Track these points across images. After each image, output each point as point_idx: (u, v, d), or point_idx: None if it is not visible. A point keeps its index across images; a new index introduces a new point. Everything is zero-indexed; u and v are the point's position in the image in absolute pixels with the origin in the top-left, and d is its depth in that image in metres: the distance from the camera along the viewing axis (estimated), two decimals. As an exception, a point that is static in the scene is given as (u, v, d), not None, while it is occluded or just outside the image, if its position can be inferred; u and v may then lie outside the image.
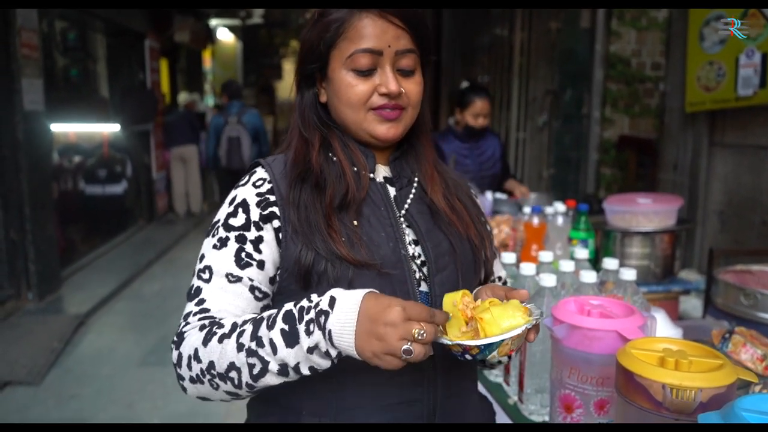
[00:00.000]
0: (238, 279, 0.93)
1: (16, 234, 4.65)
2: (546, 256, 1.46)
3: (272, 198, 0.97)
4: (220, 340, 0.87)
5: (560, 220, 2.19)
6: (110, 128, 7.01)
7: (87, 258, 6.05)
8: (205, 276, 0.95)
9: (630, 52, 4.21)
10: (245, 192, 0.98)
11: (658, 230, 2.18)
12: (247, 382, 0.85)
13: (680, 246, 2.28)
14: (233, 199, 0.99)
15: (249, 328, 0.86)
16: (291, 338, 0.82)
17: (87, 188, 6.73)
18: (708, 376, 0.84)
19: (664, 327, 1.36)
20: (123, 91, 7.31)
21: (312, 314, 0.82)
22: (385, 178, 1.04)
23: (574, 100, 4.72)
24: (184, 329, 0.92)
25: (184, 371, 0.90)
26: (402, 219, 1.01)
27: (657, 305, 1.98)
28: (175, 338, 0.92)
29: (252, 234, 0.95)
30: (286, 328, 0.83)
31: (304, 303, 0.84)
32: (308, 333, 0.81)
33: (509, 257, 1.51)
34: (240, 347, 0.85)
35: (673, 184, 3.59)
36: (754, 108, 2.95)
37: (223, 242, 0.95)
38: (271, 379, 0.85)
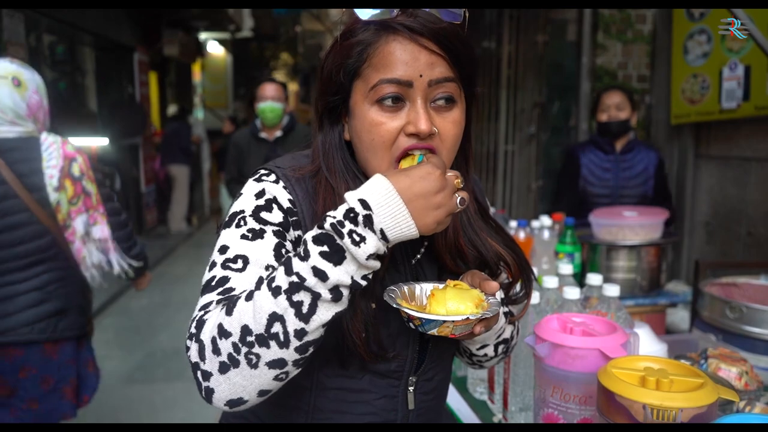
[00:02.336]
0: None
1: (2, 250, 4.59)
2: (530, 272, 1.46)
3: (297, 218, 0.87)
4: (248, 298, 0.75)
5: (546, 233, 2.19)
6: (99, 142, 6.97)
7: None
8: (237, 265, 0.82)
9: (616, 65, 4.24)
10: (276, 190, 0.87)
11: (644, 243, 2.18)
12: (296, 330, 0.73)
13: (667, 258, 2.28)
14: (261, 192, 0.87)
15: (279, 270, 0.75)
16: (336, 256, 0.72)
17: (75, 202, 6.66)
18: (689, 396, 0.83)
19: (648, 343, 1.36)
20: (112, 104, 7.29)
21: (351, 225, 0.72)
22: None
23: (562, 113, 4.75)
24: (203, 317, 0.79)
25: (209, 363, 0.75)
26: (412, 270, 0.95)
27: (644, 318, 1.98)
28: (193, 329, 0.78)
29: (291, 235, 0.86)
30: (326, 248, 0.73)
31: (334, 218, 0.74)
32: (357, 243, 0.72)
33: (493, 273, 1.50)
34: (277, 291, 0.73)
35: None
36: (738, 120, 2.98)
37: (256, 234, 0.84)
38: (324, 313, 0.74)
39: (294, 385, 0.90)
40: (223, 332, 0.74)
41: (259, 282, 0.76)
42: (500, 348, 1.03)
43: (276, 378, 0.76)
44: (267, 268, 0.82)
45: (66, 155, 2.01)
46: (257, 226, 0.85)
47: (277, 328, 0.73)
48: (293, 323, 0.73)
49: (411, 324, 0.83)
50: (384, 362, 0.91)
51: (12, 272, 1.88)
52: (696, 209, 3.37)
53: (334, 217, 0.74)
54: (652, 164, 2.78)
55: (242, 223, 0.85)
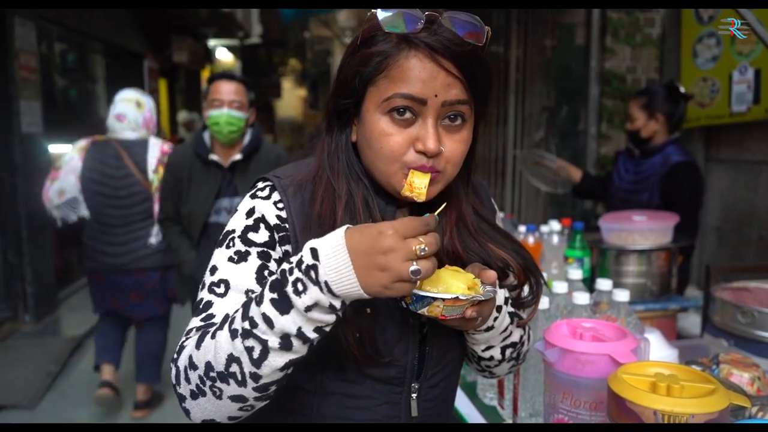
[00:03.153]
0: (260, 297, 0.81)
1: (14, 256, 4.64)
2: (539, 277, 1.45)
3: (286, 233, 0.88)
4: (213, 336, 0.79)
5: (555, 238, 2.18)
6: (109, 149, 7.01)
7: (84, 280, 6.02)
8: (219, 290, 0.86)
9: (625, 69, 4.23)
10: (265, 207, 0.89)
11: (654, 248, 2.17)
12: (250, 373, 0.75)
13: (677, 262, 2.27)
14: (251, 211, 0.89)
15: (239, 311, 0.78)
16: (283, 304, 0.73)
17: (85, 209, 6.71)
18: (700, 402, 0.83)
19: (658, 348, 1.35)
20: (122, 111, 7.33)
21: (297, 273, 0.73)
22: None
23: (571, 117, 4.74)
24: (184, 343, 0.84)
25: (183, 388, 0.81)
26: None
27: (654, 323, 1.97)
28: (174, 355, 0.84)
29: (277, 253, 0.88)
30: (275, 296, 0.74)
31: (285, 266, 0.75)
32: (299, 292, 0.72)
33: (502, 278, 1.50)
34: (234, 334, 0.76)
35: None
36: (749, 124, 2.96)
37: (242, 256, 0.87)
38: (276, 360, 0.74)
39: (297, 389, 0.91)
40: (191, 364, 0.80)
41: (224, 319, 0.80)
42: (508, 352, 1.02)
43: (241, 409, 0.80)
44: (247, 292, 0.86)
45: (162, 151, 3.17)
46: (243, 248, 0.88)
47: (234, 368, 0.76)
48: (248, 366, 0.76)
49: (403, 303, 0.82)
50: (381, 367, 0.91)
51: (136, 222, 3.12)
52: (707, 213, 3.35)
53: (290, 263, 0.75)
54: (664, 171, 2.65)
55: (231, 244, 0.89)
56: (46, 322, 4.82)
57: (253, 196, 0.91)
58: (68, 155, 3.19)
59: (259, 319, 0.74)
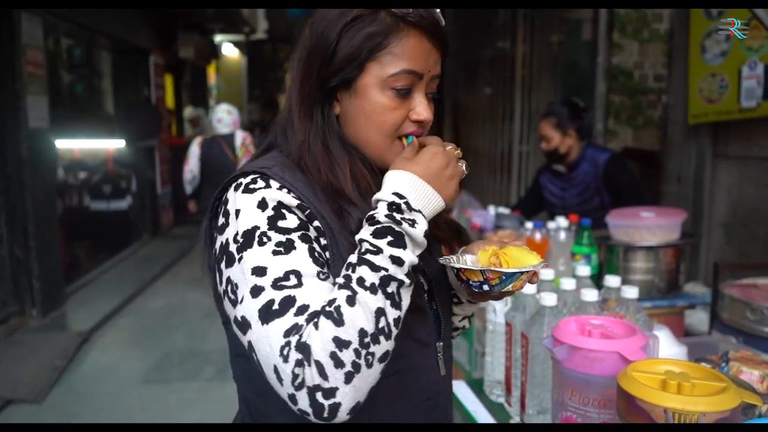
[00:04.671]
0: (327, 276, 0.82)
1: (21, 251, 4.66)
2: (547, 273, 1.45)
3: (310, 210, 0.86)
4: (352, 303, 0.75)
5: (563, 235, 2.17)
6: (115, 144, 7.04)
7: (91, 274, 6.06)
8: (291, 282, 0.78)
9: (632, 65, 4.20)
10: (275, 194, 0.84)
11: (662, 244, 2.15)
12: (394, 319, 0.78)
13: (685, 259, 2.25)
14: (262, 203, 0.83)
15: (361, 269, 0.77)
16: (401, 241, 0.79)
17: (92, 204, 6.75)
18: (711, 400, 0.82)
19: (667, 345, 1.34)
20: (128, 107, 7.36)
21: (399, 213, 0.80)
22: None
23: (577, 113, 4.71)
24: (304, 340, 0.74)
25: (332, 379, 0.73)
26: None
27: (662, 320, 1.96)
28: (297, 355, 0.73)
29: (312, 232, 0.85)
30: (391, 238, 0.79)
31: (381, 213, 0.80)
32: (413, 225, 0.80)
33: (510, 275, 1.49)
34: (373, 288, 0.76)
35: (677, 196, 3.57)
36: (758, 119, 2.93)
37: (287, 246, 0.80)
38: (407, 296, 0.80)
39: None
40: (341, 343, 0.73)
41: (346, 285, 0.77)
42: (465, 322, 1.14)
43: (381, 371, 0.78)
44: (318, 275, 0.81)
45: (243, 138, 5.21)
46: (283, 238, 0.81)
47: (382, 322, 0.76)
48: (392, 313, 0.78)
49: (485, 286, 0.87)
50: (418, 325, 0.93)
51: None
52: (714, 209, 3.33)
53: (383, 213, 0.80)
54: (598, 175, 2.86)
55: (265, 239, 0.80)
56: (53, 317, 4.84)
57: (250, 190, 0.84)
58: (192, 148, 5.17)
59: (388, 263, 0.78)
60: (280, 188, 0.85)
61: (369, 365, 0.75)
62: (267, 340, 0.76)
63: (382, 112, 0.89)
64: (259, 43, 14.76)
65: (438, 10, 0.92)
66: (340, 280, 0.79)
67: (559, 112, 2.93)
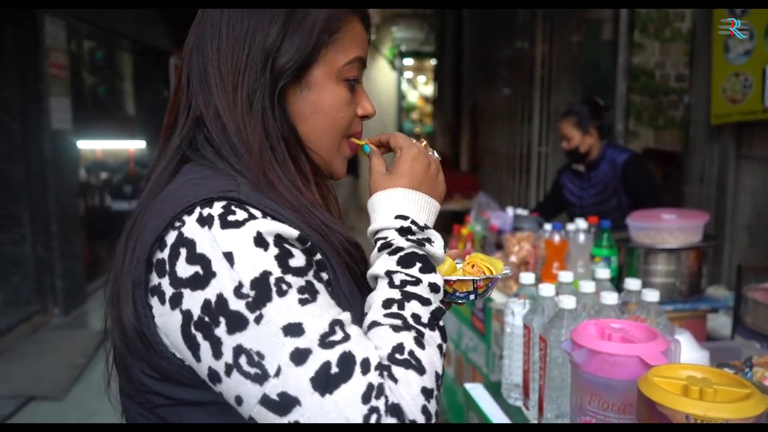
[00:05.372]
0: (354, 317, 0.69)
1: (44, 250, 4.74)
2: (566, 276, 1.43)
3: (312, 242, 0.71)
4: (421, 345, 0.67)
5: (582, 237, 2.15)
6: (136, 145, 7.13)
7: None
8: (339, 336, 0.63)
9: (654, 64, 4.15)
10: (268, 225, 0.66)
11: (683, 247, 2.12)
12: (443, 347, 0.72)
13: (708, 262, 2.22)
14: (259, 239, 0.64)
15: (412, 306, 0.69)
16: (429, 265, 0.75)
17: (113, 204, 6.83)
18: (734, 407, 0.80)
19: (689, 350, 1.32)
20: (148, 108, 7.44)
21: (415, 235, 0.75)
22: None
23: (597, 113, 4.67)
24: (393, 401, 0.61)
25: (432, 407, 0.64)
26: None
27: (683, 324, 1.93)
28: (392, 419, 0.60)
29: (314, 267, 0.71)
30: (420, 264, 0.73)
31: (394, 239, 0.74)
32: (432, 243, 0.76)
33: (528, 278, 1.48)
34: (431, 325, 0.70)
35: (700, 197, 3.51)
36: (783, 120, 2.88)
37: (311, 290, 0.65)
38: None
39: None
40: (428, 393, 0.64)
41: (405, 326, 0.67)
42: None
43: None
44: (352, 318, 0.68)
45: None
46: (302, 281, 0.65)
47: (442, 359, 0.71)
48: (444, 347, 0.72)
49: (471, 296, 0.85)
50: None
51: None
52: (737, 211, 3.27)
53: (399, 239, 0.74)
54: (616, 175, 2.86)
55: (284, 287, 0.63)
56: (74, 315, 4.91)
57: (233, 224, 0.65)
58: None
59: (430, 294, 0.73)
60: (264, 216, 0.67)
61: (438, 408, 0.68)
62: (337, 413, 0.59)
63: (340, 108, 0.80)
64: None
65: None
66: (394, 321, 0.67)
67: (580, 111, 2.92)
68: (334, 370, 0.61)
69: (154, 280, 0.67)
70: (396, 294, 0.70)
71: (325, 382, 0.60)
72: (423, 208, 0.78)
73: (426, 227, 0.77)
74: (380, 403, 0.60)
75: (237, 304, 0.62)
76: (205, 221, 0.65)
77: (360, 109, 0.84)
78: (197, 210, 0.66)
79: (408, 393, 0.62)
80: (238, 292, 0.62)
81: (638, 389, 0.87)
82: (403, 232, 0.75)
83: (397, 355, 0.64)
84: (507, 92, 6.42)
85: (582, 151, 2.89)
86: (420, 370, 0.64)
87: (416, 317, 0.69)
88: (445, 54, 9.20)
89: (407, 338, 0.66)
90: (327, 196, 0.88)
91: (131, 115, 7.37)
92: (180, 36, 8.09)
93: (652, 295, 1.30)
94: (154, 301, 0.67)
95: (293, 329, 0.61)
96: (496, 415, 1.45)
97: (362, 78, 0.84)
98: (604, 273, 1.51)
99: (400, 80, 16.09)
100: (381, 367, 0.63)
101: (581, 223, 2.20)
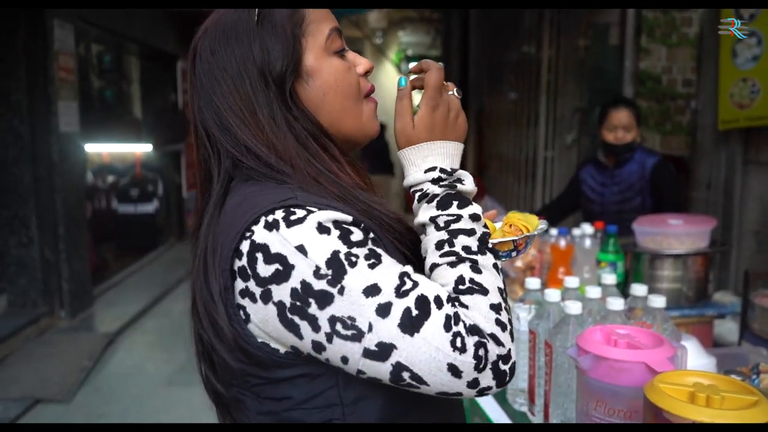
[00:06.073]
0: (417, 266, 0.79)
1: (51, 253, 4.76)
2: (572, 281, 1.43)
3: (364, 224, 0.79)
4: (477, 271, 0.77)
5: (588, 242, 2.14)
6: (143, 148, 7.16)
7: (119, 276, 6.16)
8: (409, 285, 0.73)
9: (660, 69, 4.15)
10: (326, 215, 0.74)
11: (690, 252, 2.11)
12: (500, 268, 0.83)
13: (714, 267, 2.21)
14: (321, 227, 0.73)
15: (460, 238, 0.79)
16: (466, 201, 0.82)
17: (119, 207, 6.87)
18: (742, 414, 0.80)
19: (695, 356, 1.31)
20: (155, 111, 7.48)
21: (446, 181, 0.82)
22: None
23: (604, 118, 4.66)
24: (470, 323, 0.73)
25: (506, 342, 0.75)
26: None
27: (690, 330, 1.92)
28: (474, 337, 0.71)
29: (374, 234, 0.79)
30: (457, 201, 0.81)
31: (429, 188, 0.82)
32: (463, 182, 0.83)
33: (534, 283, 1.47)
34: (481, 250, 0.79)
35: (707, 203, 3.50)
36: (791, 125, 2.87)
37: (375, 255, 0.74)
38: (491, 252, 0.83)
39: None
40: (496, 307, 0.76)
41: (457, 262, 0.77)
42: None
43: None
44: (414, 266, 0.78)
45: None
46: (366, 250, 0.74)
47: (501, 275, 0.81)
48: (498, 263, 0.82)
49: (514, 252, 0.92)
50: None
51: None
52: (745, 217, 3.25)
53: (429, 185, 0.82)
54: (645, 177, 2.80)
55: (354, 258, 0.72)
56: (81, 318, 4.93)
57: (296, 221, 0.73)
58: None
59: (473, 224, 0.80)
60: (321, 209, 0.75)
61: (511, 316, 0.79)
62: (428, 346, 0.70)
63: (344, 76, 0.86)
64: (285, 48, 14.88)
65: None
66: (445, 258, 0.78)
67: (634, 103, 2.86)
68: (415, 312, 0.71)
69: (240, 285, 0.75)
70: (444, 235, 0.79)
71: (411, 324, 0.70)
72: (447, 154, 0.83)
73: (453, 170, 0.83)
74: (460, 328, 0.71)
75: (320, 284, 0.71)
76: (272, 226, 0.73)
77: (360, 68, 0.89)
78: (263, 219, 0.74)
79: (480, 313, 0.74)
80: (317, 274, 0.71)
81: (644, 396, 0.87)
82: (435, 181, 0.82)
83: (461, 286, 0.75)
84: (513, 96, 6.42)
85: (634, 145, 2.82)
86: (483, 291, 0.75)
87: (467, 249, 0.78)
88: (451, 58, 9.20)
89: (465, 269, 0.77)
90: (359, 171, 0.90)
91: (138, 119, 7.41)
92: (188, 40, 8.13)
93: (658, 301, 1.30)
94: (246, 302, 0.75)
95: (371, 290, 0.71)
96: (502, 421, 1.44)
97: (344, 43, 0.90)
98: (610, 278, 1.51)
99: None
100: (451, 300, 0.74)
101: (587, 228, 2.19)
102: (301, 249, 0.71)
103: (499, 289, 0.78)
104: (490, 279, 0.77)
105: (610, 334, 1.09)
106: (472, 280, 0.76)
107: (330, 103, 0.85)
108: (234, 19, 0.83)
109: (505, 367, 0.74)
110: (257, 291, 0.73)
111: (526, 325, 1.42)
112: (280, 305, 0.72)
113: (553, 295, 1.36)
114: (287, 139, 0.81)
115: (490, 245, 0.83)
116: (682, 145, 4.17)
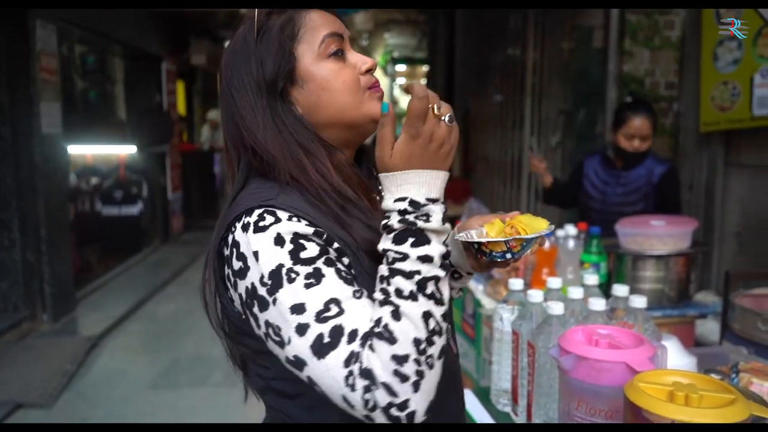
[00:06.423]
0: (361, 292, 0.82)
1: (33, 256, 4.70)
2: (554, 282, 1.44)
3: (325, 233, 0.84)
4: (397, 318, 0.76)
5: (571, 243, 2.16)
6: (127, 150, 7.10)
7: (102, 279, 6.10)
8: (334, 311, 0.78)
9: (643, 72, 4.18)
10: (289, 226, 0.82)
11: (672, 253, 2.14)
12: (442, 315, 0.79)
13: (696, 268, 2.23)
14: (279, 239, 0.81)
15: (396, 281, 0.78)
16: (422, 238, 0.79)
17: (103, 209, 6.81)
18: (719, 412, 0.81)
19: (676, 356, 1.33)
20: (140, 112, 7.42)
21: (411, 214, 0.80)
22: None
23: (588, 120, 4.69)
24: (366, 366, 0.75)
25: (402, 393, 0.75)
26: None
27: (672, 330, 1.94)
28: (363, 381, 0.74)
29: (332, 253, 0.84)
30: (413, 239, 0.79)
31: (394, 221, 0.80)
32: (429, 219, 0.80)
33: (517, 284, 1.48)
34: (412, 296, 0.77)
35: (689, 204, 3.53)
36: (770, 128, 2.91)
37: (316, 275, 0.80)
38: (446, 286, 0.81)
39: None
40: (400, 359, 0.75)
41: (386, 301, 0.78)
42: (460, 293, 1.18)
43: (442, 364, 0.81)
44: (353, 294, 0.81)
45: None
46: (310, 269, 0.80)
47: (432, 323, 0.78)
48: (438, 311, 0.79)
49: (507, 255, 0.92)
50: None
51: None
52: (726, 219, 3.29)
53: (395, 219, 0.80)
54: (651, 182, 2.73)
55: (293, 275, 0.79)
56: (63, 322, 4.87)
57: (261, 228, 0.82)
58: None
59: (419, 266, 0.78)
60: (290, 218, 0.82)
61: (431, 367, 0.77)
62: (328, 374, 0.76)
63: (335, 76, 0.91)
64: (271, 49, 14.84)
65: None
66: (379, 295, 0.79)
67: (654, 111, 2.77)
68: (326, 340, 0.77)
69: (226, 269, 0.87)
70: (386, 271, 0.80)
71: (319, 350, 0.76)
72: (423, 183, 0.81)
73: (426, 202, 0.81)
74: (355, 368, 0.75)
75: (261, 291, 0.80)
76: (245, 228, 0.83)
77: (363, 66, 0.93)
78: (243, 218, 0.84)
79: (380, 360, 0.75)
80: (261, 281, 0.80)
81: (624, 395, 0.88)
82: (401, 212, 0.81)
83: (376, 329, 0.77)
84: (498, 98, 6.45)
85: (647, 153, 2.74)
86: (391, 340, 0.75)
87: (398, 291, 0.78)
88: (437, 60, 9.23)
89: (385, 312, 0.77)
90: (350, 177, 0.92)
91: (122, 120, 7.35)
92: (173, 41, 8.08)
93: (639, 301, 1.31)
94: (228, 285, 0.87)
95: (297, 308, 0.78)
96: (485, 421, 1.45)
97: (348, 45, 0.94)
98: (592, 279, 1.52)
99: (392, 86, 16.11)
100: (366, 337, 0.77)
101: (571, 229, 2.21)
102: (256, 255, 0.81)
103: (415, 339, 0.76)
104: (406, 328, 0.76)
105: (591, 335, 1.10)
106: (386, 326, 0.76)
107: (326, 102, 0.91)
108: (242, 37, 0.93)
109: (401, 414, 0.75)
110: (232, 279, 0.85)
111: (510, 325, 1.43)
112: (239, 297, 0.85)
113: (535, 295, 1.37)
114: (276, 141, 0.89)
115: (479, 242, 0.91)
116: (665, 147, 4.20)
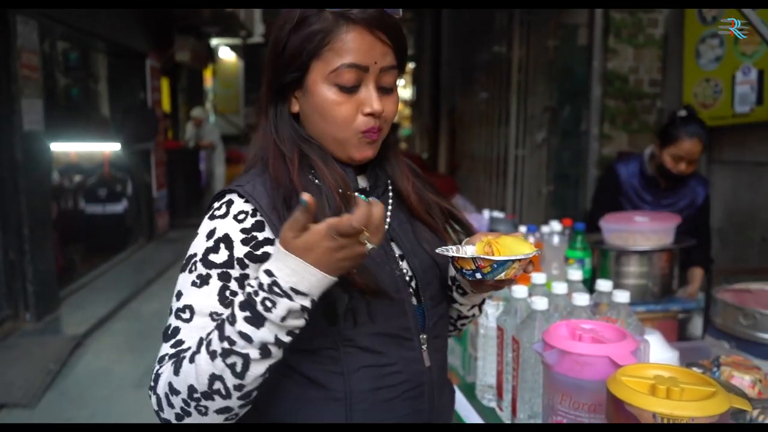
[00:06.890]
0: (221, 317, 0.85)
1: (15, 254, 4.64)
2: (539, 278, 1.44)
3: (261, 236, 0.90)
4: (192, 360, 0.82)
5: (556, 239, 2.17)
6: (111, 147, 7.03)
7: (86, 277, 6.03)
8: (185, 316, 0.88)
9: (627, 69, 4.22)
10: (226, 226, 0.90)
11: (655, 249, 2.15)
12: (234, 385, 0.81)
13: (679, 263, 2.25)
14: (212, 232, 0.90)
15: (214, 333, 0.82)
16: (256, 320, 0.79)
17: (87, 207, 6.73)
18: (700, 405, 0.82)
19: (659, 350, 1.34)
20: (124, 110, 7.34)
21: (262, 293, 0.79)
22: (362, 189, 1.01)
23: (573, 117, 4.73)
24: (159, 371, 0.87)
25: (167, 413, 0.85)
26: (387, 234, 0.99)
27: (656, 325, 1.96)
28: (152, 382, 0.88)
29: (236, 272, 0.89)
30: (248, 314, 0.79)
31: (250, 288, 0.80)
32: (269, 309, 0.78)
33: (502, 279, 1.49)
34: (213, 355, 0.80)
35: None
36: (752, 125, 2.95)
37: (203, 280, 0.89)
38: (257, 368, 0.81)
39: (327, 374, 0.93)
40: (173, 390, 0.84)
41: (200, 343, 0.83)
42: (477, 308, 1.15)
43: (226, 419, 0.86)
44: (211, 315, 0.88)
45: None
46: (204, 272, 0.89)
47: (218, 385, 0.81)
48: (231, 380, 0.81)
49: (478, 274, 0.90)
50: (390, 319, 0.95)
51: None
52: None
53: (252, 286, 0.81)
54: (695, 205, 2.53)
55: (193, 268, 0.90)
56: (46, 321, 4.82)
57: (212, 217, 0.92)
58: None
59: (236, 337, 0.80)
60: (234, 217, 0.90)
61: (203, 414, 0.83)
62: (157, 356, 0.90)
63: (330, 108, 0.92)
64: (256, 46, 14.74)
65: (398, 10, 0.94)
66: (207, 336, 0.84)
67: (706, 127, 2.48)
68: (169, 332, 0.89)
69: None
70: (223, 316, 0.84)
71: (165, 334, 0.90)
72: (295, 271, 0.78)
73: (287, 291, 0.78)
74: (157, 367, 0.88)
75: (184, 264, 0.92)
76: (208, 209, 0.94)
77: (364, 107, 0.92)
78: (213, 201, 0.95)
79: (164, 377, 0.85)
80: (185, 256, 0.93)
81: (607, 389, 0.88)
82: (259, 285, 0.80)
83: (181, 353, 0.86)
84: (484, 96, 6.47)
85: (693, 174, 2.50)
86: (176, 372, 0.84)
87: (209, 342, 0.82)
88: (424, 58, 9.24)
89: (192, 349, 0.84)
90: (332, 182, 0.93)
91: (106, 117, 7.27)
92: (157, 38, 8.02)
93: (622, 296, 1.32)
94: None
95: (178, 294, 0.91)
96: (470, 417, 1.46)
97: (372, 79, 0.92)
98: (576, 275, 1.53)
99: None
100: (179, 352, 0.86)
101: (556, 226, 2.22)
102: (197, 235, 0.93)
103: (191, 386, 0.82)
104: (189, 373, 0.82)
105: (575, 329, 1.11)
106: (183, 358, 0.84)
107: (315, 122, 0.95)
108: (274, 44, 0.95)
109: (163, 420, 0.88)
110: None
111: (494, 321, 1.43)
112: None
113: (520, 291, 1.38)
114: (267, 137, 0.97)
115: (450, 256, 0.93)
116: (649, 144, 4.24)
